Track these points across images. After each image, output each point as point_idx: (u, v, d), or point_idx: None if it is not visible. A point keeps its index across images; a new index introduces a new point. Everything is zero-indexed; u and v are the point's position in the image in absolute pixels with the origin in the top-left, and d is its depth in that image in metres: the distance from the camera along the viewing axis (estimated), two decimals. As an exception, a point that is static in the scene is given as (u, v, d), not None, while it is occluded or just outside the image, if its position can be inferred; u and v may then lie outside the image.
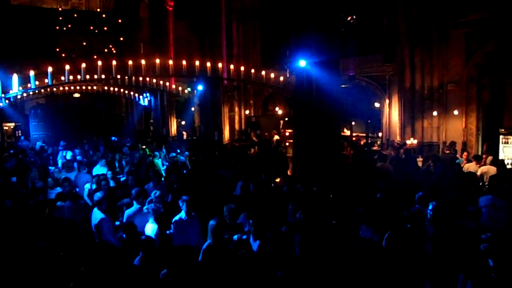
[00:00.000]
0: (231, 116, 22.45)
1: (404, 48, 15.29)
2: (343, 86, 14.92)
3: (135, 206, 7.19)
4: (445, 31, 14.50)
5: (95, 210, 6.96)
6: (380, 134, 17.79)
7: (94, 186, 9.09)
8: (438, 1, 14.31)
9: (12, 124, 23.25)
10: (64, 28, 23.80)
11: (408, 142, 14.70)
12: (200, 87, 16.13)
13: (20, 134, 22.90)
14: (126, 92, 22.30)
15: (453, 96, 14.67)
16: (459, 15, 14.00)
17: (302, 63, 10.78)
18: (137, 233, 5.86)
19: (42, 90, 15.22)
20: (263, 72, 12.13)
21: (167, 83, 18.53)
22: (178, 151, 15.20)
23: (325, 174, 9.87)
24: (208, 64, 11.46)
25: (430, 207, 6.11)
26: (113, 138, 19.61)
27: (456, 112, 14.57)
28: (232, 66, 12.55)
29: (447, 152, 12.99)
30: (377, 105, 17.20)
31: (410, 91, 15.29)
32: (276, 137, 19.55)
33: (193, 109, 23.82)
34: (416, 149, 14.42)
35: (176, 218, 6.59)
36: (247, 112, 22.39)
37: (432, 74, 14.88)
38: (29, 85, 9.99)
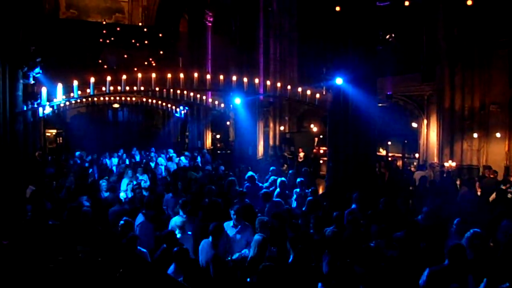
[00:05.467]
0: (266, 132, 22.49)
1: (444, 67, 15.00)
2: (380, 105, 14.73)
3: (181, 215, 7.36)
4: (488, 50, 14.14)
5: (140, 214, 7.31)
6: (417, 155, 17.40)
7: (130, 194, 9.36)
8: (481, 19, 13.98)
9: (54, 131, 24.14)
10: (107, 41, 24.62)
11: (446, 164, 14.32)
12: (237, 101, 16.21)
13: (61, 141, 23.70)
14: (164, 104, 22.70)
15: (495, 118, 14.24)
16: (504, 33, 13.65)
17: (338, 80, 10.74)
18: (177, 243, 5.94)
19: (84, 100, 15.72)
20: (299, 89, 12.09)
21: (204, 97, 18.77)
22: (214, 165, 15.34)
23: (359, 193, 9.72)
24: (245, 79, 11.55)
25: (468, 234, 5.63)
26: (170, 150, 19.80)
27: (498, 134, 14.11)
28: (268, 82, 12.60)
29: (492, 176, 12.53)
30: (414, 125, 16.88)
31: (450, 111, 14.94)
32: (301, 154, 19.45)
33: (228, 123, 24.01)
34: (454, 172, 14.02)
35: (225, 225, 6.78)
36: (281, 128, 22.39)
37: (473, 94, 14.51)
38: (72, 94, 10.33)
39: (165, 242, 6.03)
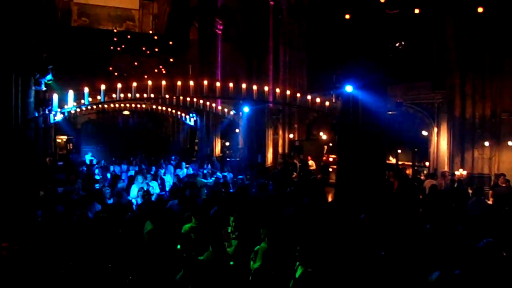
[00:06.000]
0: (275, 139, 22.47)
1: (454, 75, 14.88)
2: (390, 113, 14.65)
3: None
4: (499, 57, 14.01)
5: (148, 222, 7.29)
6: (427, 164, 17.27)
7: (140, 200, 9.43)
8: (492, 26, 13.86)
9: (64, 137, 24.38)
10: (118, 49, 24.87)
11: (457, 173, 14.18)
12: (246, 109, 16.26)
13: (71, 147, 23.91)
14: (173, 111, 22.83)
15: (507, 126, 14.10)
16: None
17: (348, 88, 10.71)
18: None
19: (94, 106, 15.86)
20: (309, 97, 12.09)
21: (214, 104, 18.83)
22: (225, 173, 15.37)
23: (369, 202, 9.65)
24: (255, 87, 11.57)
25: (481, 244, 5.47)
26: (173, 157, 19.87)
27: (510, 143, 13.97)
28: (278, 90, 12.61)
29: (504, 185, 12.37)
30: (424, 133, 16.77)
31: (460, 119, 14.81)
32: (311, 162, 19.38)
33: (237, 130, 24.04)
34: (465, 181, 13.87)
35: None
36: (291, 136, 22.37)
37: (484, 102, 14.37)
38: (82, 101, 10.42)
39: (181, 244, 6.03)
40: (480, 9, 11.93)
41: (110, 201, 9.73)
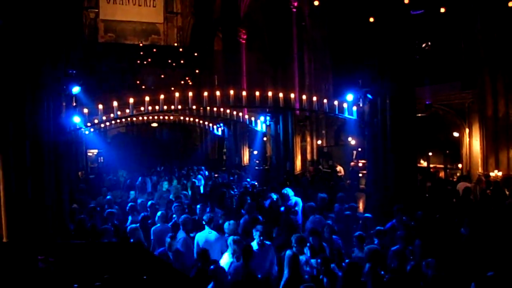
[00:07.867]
0: (303, 146, 22.36)
1: (484, 74, 14.47)
2: (419, 115, 14.39)
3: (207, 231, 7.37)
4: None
5: (181, 230, 7.45)
6: (460, 166, 16.83)
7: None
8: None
9: (95, 151, 24.89)
10: (145, 62, 25.29)
11: (492, 174, 13.74)
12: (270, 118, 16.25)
13: (102, 160, 24.39)
14: (201, 122, 23.01)
15: (543, 123, 13.62)
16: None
17: (373, 93, 10.62)
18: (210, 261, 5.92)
19: (124, 120, 16.13)
20: (336, 102, 12.01)
21: (240, 114, 18.89)
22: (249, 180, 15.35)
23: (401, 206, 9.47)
24: (281, 94, 11.56)
25: None
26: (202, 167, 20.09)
27: (547, 141, 13.49)
28: (304, 97, 12.56)
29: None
30: (456, 134, 16.37)
31: (493, 119, 14.34)
32: (339, 168, 19.17)
33: (265, 138, 24.03)
34: (501, 182, 13.42)
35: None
36: (319, 142, 22.20)
37: (517, 100, 13.93)
38: (112, 115, 10.63)
39: (199, 261, 6.03)
40: (510, 3, 11.53)
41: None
